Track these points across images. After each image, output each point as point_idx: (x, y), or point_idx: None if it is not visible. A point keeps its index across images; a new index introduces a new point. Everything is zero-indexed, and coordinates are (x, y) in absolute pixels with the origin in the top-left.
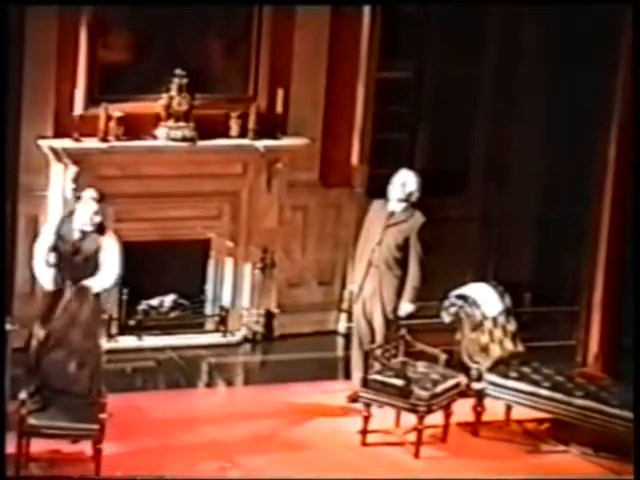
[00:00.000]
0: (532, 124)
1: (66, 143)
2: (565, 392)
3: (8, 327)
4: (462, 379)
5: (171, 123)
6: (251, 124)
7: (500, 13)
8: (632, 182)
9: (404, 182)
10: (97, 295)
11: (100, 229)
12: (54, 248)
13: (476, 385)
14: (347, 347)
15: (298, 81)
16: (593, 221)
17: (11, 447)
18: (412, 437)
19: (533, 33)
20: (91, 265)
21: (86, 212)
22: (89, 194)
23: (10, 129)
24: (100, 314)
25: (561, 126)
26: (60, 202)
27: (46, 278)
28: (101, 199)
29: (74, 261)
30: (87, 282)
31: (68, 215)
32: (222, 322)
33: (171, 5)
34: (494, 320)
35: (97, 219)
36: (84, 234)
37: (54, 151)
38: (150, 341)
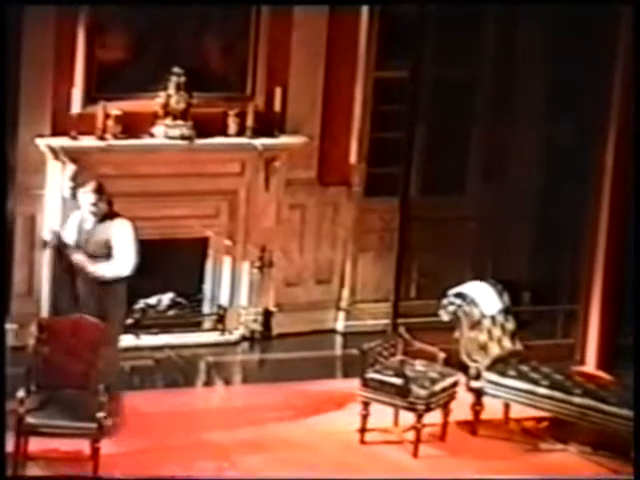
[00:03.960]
0: (529, 123)
1: (64, 142)
2: (564, 391)
3: (7, 326)
4: (460, 378)
5: (169, 121)
6: (249, 122)
7: (498, 13)
8: (631, 180)
9: None
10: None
11: (111, 217)
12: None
13: (474, 384)
14: (345, 346)
15: (296, 80)
16: (592, 219)
17: (9, 446)
18: (410, 436)
19: (531, 34)
20: (103, 254)
21: (85, 203)
22: (88, 187)
23: (8, 128)
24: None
25: (559, 125)
26: (58, 201)
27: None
28: (99, 190)
29: (86, 252)
30: (100, 268)
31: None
32: (220, 321)
33: (170, 5)
34: (493, 319)
35: (95, 209)
36: (93, 225)
37: (52, 150)
38: (148, 340)
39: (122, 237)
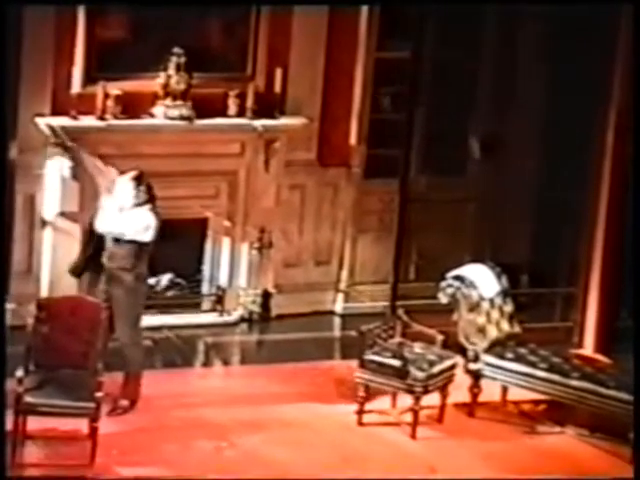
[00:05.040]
0: (530, 105)
1: (64, 121)
2: (561, 373)
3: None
4: (458, 360)
5: (169, 102)
6: (249, 103)
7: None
8: (631, 163)
9: None
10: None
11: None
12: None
13: (472, 366)
14: (344, 327)
15: (297, 61)
16: (591, 203)
17: (8, 425)
18: (408, 418)
19: (532, 17)
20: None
21: (124, 191)
22: (127, 175)
23: (8, 107)
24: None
25: (559, 107)
26: (57, 180)
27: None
28: (139, 179)
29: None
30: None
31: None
32: (219, 302)
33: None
34: (491, 301)
35: (133, 199)
36: (128, 212)
37: (52, 129)
38: (147, 320)
39: (139, 215)
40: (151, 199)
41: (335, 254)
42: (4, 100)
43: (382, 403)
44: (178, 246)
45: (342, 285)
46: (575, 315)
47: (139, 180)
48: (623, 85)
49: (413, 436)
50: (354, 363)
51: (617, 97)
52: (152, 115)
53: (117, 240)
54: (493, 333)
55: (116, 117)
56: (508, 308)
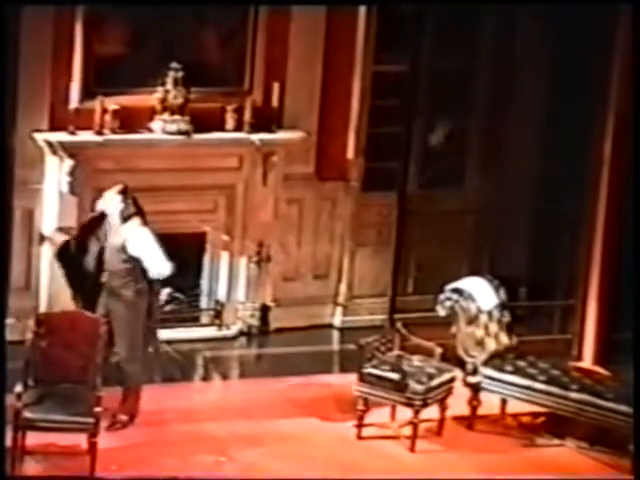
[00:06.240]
0: (528, 117)
1: (62, 136)
2: (560, 386)
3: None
4: (457, 373)
5: (166, 116)
6: (247, 117)
7: (495, 6)
8: (630, 174)
9: None
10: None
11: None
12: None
13: (471, 379)
14: (342, 341)
15: (294, 74)
16: (589, 215)
17: (7, 440)
18: (407, 431)
19: (529, 25)
20: (121, 256)
21: (111, 206)
22: (113, 189)
23: (6, 122)
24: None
25: (557, 119)
26: (55, 195)
27: None
28: (124, 192)
29: (105, 256)
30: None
31: None
32: (217, 316)
33: (168, 5)
34: (489, 314)
35: (119, 212)
36: (114, 227)
37: (50, 144)
38: None
39: (140, 237)
40: (138, 212)
41: (333, 267)
42: (3, 115)
43: (381, 416)
44: (176, 260)
45: (341, 298)
46: (574, 327)
47: (125, 194)
48: (622, 88)
49: (412, 449)
50: (353, 376)
51: (615, 101)
52: (150, 130)
53: (117, 256)
54: (492, 346)
55: (114, 132)
56: (507, 320)
